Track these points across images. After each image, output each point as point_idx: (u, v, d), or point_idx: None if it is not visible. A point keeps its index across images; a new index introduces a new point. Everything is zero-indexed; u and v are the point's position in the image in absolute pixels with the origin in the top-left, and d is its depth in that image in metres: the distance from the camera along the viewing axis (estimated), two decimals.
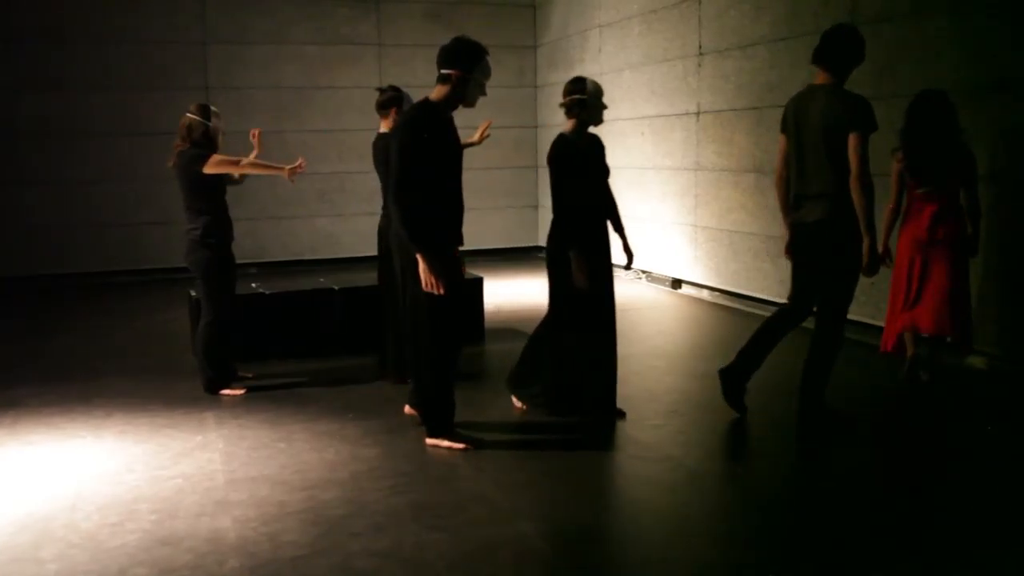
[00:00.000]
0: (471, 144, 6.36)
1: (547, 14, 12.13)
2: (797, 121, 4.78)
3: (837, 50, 4.69)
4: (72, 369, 6.44)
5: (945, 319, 5.35)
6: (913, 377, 5.59)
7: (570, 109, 4.98)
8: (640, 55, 9.79)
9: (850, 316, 4.93)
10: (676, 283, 9.44)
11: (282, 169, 5.74)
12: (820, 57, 4.74)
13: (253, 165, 5.60)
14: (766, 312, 7.69)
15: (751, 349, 4.96)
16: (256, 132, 6.27)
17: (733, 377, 5.01)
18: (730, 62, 8.27)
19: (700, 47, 8.73)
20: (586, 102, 4.93)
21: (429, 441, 4.67)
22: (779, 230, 7.55)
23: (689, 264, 9.17)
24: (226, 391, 5.71)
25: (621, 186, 10.39)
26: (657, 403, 5.38)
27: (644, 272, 10.04)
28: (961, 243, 5.37)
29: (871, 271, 4.58)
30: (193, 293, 6.39)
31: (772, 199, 7.65)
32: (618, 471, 4.35)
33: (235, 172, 5.58)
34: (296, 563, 3.39)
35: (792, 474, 4.35)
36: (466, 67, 4.43)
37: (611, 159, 11.64)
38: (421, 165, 4.32)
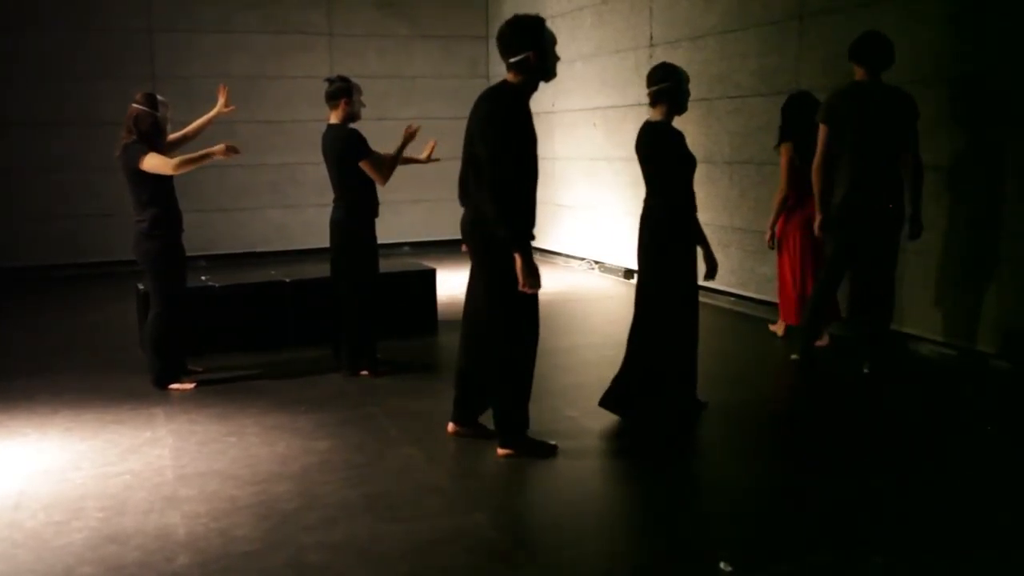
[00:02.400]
0: (416, 160, 6.33)
1: (499, 4, 12.10)
2: (856, 113, 5.35)
3: (881, 50, 5.36)
4: (15, 365, 6.30)
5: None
6: (807, 352, 5.91)
7: (658, 98, 4.79)
8: (592, 46, 9.81)
9: None
10: (628, 273, 9.50)
11: (212, 154, 5.49)
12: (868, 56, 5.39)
13: (184, 163, 5.34)
14: (717, 301, 7.79)
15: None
16: (223, 88, 6.16)
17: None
18: (681, 53, 8.32)
19: (651, 38, 8.77)
20: (679, 90, 4.78)
21: (502, 452, 4.37)
22: (729, 220, 7.64)
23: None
24: (176, 385, 5.63)
25: (573, 177, 10.43)
26: None
27: (596, 262, 10.09)
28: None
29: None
30: (141, 286, 6.29)
31: (723, 188, 7.74)
32: (572, 461, 4.37)
33: (169, 172, 5.34)
34: (248, 558, 3.36)
35: (745, 463, 4.41)
36: (538, 44, 4.12)
37: (562, 150, 11.70)
38: (517, 157, 4.06)
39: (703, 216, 8.10)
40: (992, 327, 5.60)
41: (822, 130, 5.51)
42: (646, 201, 4.86)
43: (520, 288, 4.07)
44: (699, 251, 4.82)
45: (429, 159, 6.35)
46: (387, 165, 5.81)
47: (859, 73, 5.43)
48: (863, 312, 5.58)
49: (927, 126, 5.64)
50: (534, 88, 4.23)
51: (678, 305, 4.78)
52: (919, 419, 4.93)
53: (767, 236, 6.36)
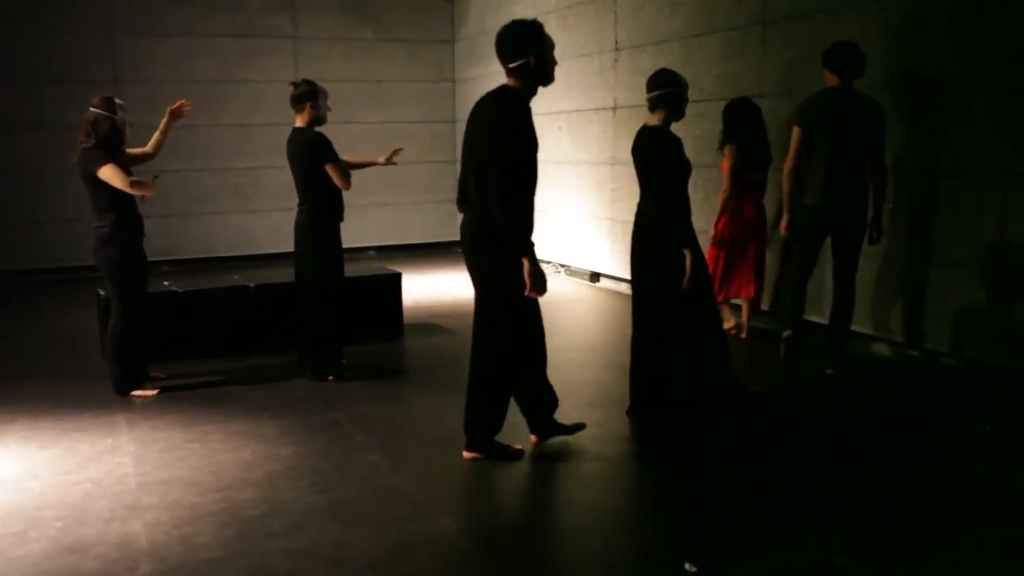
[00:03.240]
0: (374, 163, 6.30)
1: (464, 9, 12.10)
2: (832, 118, 5.52)
3: (855, 58, 5.52)
4: None
5: (759, 287, 6.59)
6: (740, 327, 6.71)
7: (658, 103, 4.83)
8: (557, 50, 9.65)
9: None
10: (594, 276, 9.54)
11: (151, 191, 5.44)
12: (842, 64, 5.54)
13: (133, 185, 5.25)
14: None
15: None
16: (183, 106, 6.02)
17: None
18: (645, 58, 8.37)
19: (616, 43, 8.82)
20: (680, 96, 4.83)
21: (469, 455, 4.38)
22: (693, 222, 7.67)
23: (607, 257, 9.27)
24: (137, 392, 5.56)
25: (539, 181, 10.44)
26: (575, 396, 5.42)
27: (562, 266, 10.11)
28: (765, 225, 6.58)
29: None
30: (102, 292, 6.20)
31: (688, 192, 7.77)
32: (537, 465, 4.38)
33: (120, 188, 5.26)
34: (210, 566, 3.32)
35: (710, 466, 4.43)
36: (537, 48, 4.14)
37: None
38: (522, 162, 4.05)
39: None
40: (946, 327, 5.68)
41: (797, 133, 5.66)
42: (642, 207, 4.90)
43: (527, 293, 4.07)
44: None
45: (388, 162, 6.28)
46: (349, 171, 5.80)
47: (831, 79, 5.59)
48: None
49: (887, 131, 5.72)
50: (533, 92, 4.23)
51: (684, 307, 4.85)
52: (885, 419, 4.99)
53: (711, 234, 6.55)
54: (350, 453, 4.53)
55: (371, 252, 11.84)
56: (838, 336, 5.74)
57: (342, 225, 5.88)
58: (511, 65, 4.14)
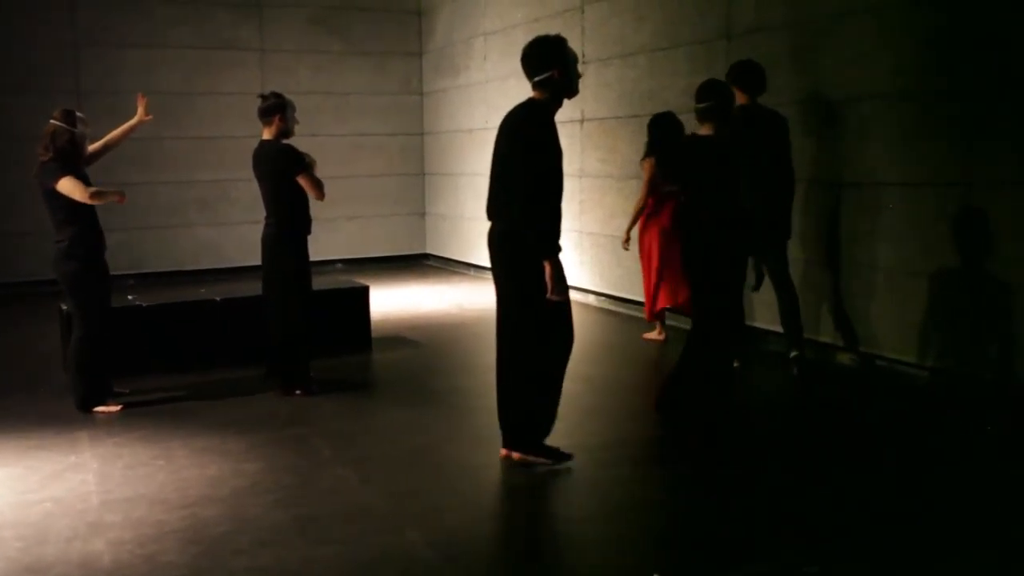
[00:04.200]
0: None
1: (432, 21, 12.12)
2: (750, 133, 5.76)
3: (761, 76, 5.92)
4: None
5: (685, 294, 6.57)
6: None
7: (709, 113, 4.98)
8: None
9: None
10: None
11: (118, 197, 5.42)
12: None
13: (97, 195, 5.23)
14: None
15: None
16: (141, 97, 6.03)
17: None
18: (612, 70, 8.43)
19: (583, 56, 8.86)
20: (729, 107, 5.03)
21: (518, 456, 4.41)
22: None
23: (575, 269, 9.29)
24: (101, 408, 5.48)
25: None
26: None
27: None
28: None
29: None
30: (64, 307, 6.12)
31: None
32: (506, 478, 4.37)
33: (80, 200, 5.22)
34: None
35: (678, 476, 4.45)
36: (561, 62, 4.27)
37: None
38: (547, 170, 4.18)
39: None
40: (911, 336, 5.76)
41: None
42: (691, 211, 5.05)
43: (548, 295, 4.17)
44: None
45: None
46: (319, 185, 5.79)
47: (741, 97, 5.86)
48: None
49: (847, 142, 5.80)
50: (559, 105, 4.37)
51: (734, 305, 5.07)
52: (848, 426, 5.04)
53: (624, 239, 6.99)
54: (317, 468, 4.49)
55: (339, 265, 11.78)
56: (795, 330, 5.97)
57: (310, 238, 5.85)
58: (536, 79, 4.29)
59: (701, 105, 5.02)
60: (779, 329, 6.22)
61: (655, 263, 6.81)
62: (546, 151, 4.19)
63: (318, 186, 5.70)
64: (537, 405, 4.40)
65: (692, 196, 5.10)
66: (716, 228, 4.92)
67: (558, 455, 4.44)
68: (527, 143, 4.18)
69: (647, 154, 6.81)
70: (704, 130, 5.03)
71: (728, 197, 4.96)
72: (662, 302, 6.85)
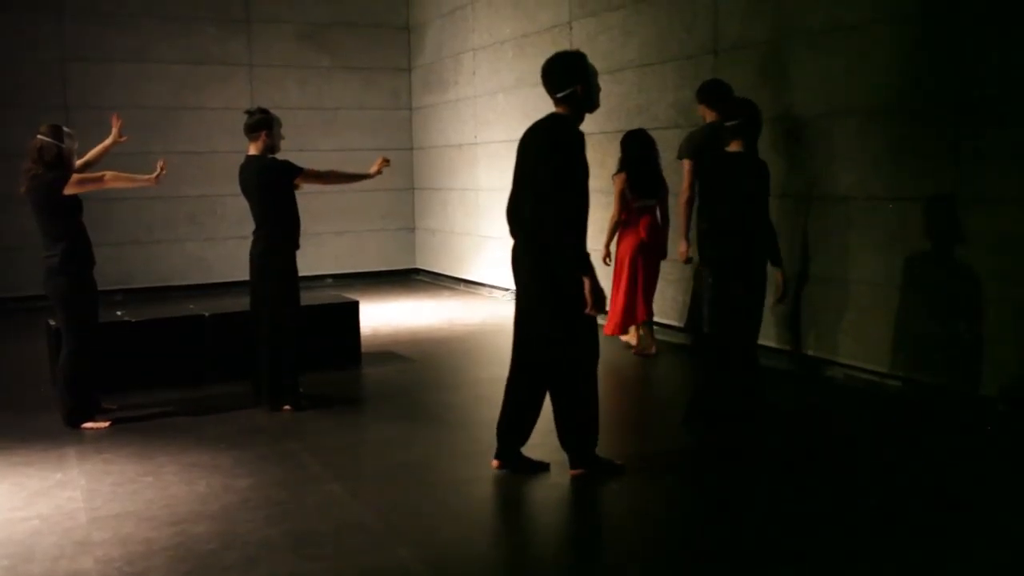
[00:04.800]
0: (367, 176, 6.13)
1: (421, 37, 12.16)
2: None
3: (729, 94, 5.98)
4: None
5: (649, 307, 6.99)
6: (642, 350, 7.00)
7: (739, 130, 5.04)
8: (513, 78, 9.92)
9: None
10: None
11: (148, 180, 5.51)
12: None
13: (116, 178, 5.38)
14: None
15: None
16: (115, 118, 6.04)
17: None
18: (600, 86, 8.45)
19: None
20: (758, 123, 5.11)
21: (575, 472, 4.41)
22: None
23: None
24: (89, 424, 5.44)
25: (497, 208, 10.49)
26: None
27: None
28: (662, 246, 6.98)
29: None
30: (52, 322, 6.09)
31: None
32: (497, 492, 4.36)
33: (99, 188, 5.35)
34: None
35: (671, 489, 4.45)
36: (583, 77, 4.29)
37: (486, 181, 11.76)
38: (576, 185, 4.20)
39: None
40: (900, 349, 5.79)
41: (688, 165, 6.23)
42: (720, 226, 5.08)
43: (588, 310, 4.18)
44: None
45: (378, 173, 6.02)
46: (337, 174, 6.04)
47: (710, 116, 6.08)
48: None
49: (831, 156, 5.84)
50: (581, 119, 4.38)
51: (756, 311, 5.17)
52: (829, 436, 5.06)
53: (603, 255, 7.03)
54: (307, 484, 4.47)
55: (328, 280, 11.77)
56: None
57: (298, 253, 5.84)
58: (559, 95, 4.30)
59: (731, 123, 5.08)
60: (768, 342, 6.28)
61: (625, 277, 6.93)
62: (575, 166, 4.22)
63: (323, 177, 5.87)
64: (590, 417, 4.40)
65: (721, 211, 5.12)
66: (743, 241, 5.00)
67: (612, 467, 4.46)
68: (557, 158, 4.18)
69: (619, 170, 6.95)
70: (734, 146, 5.08)
71: (756, 212, 5.07)
72: (641, 315, 6.96)
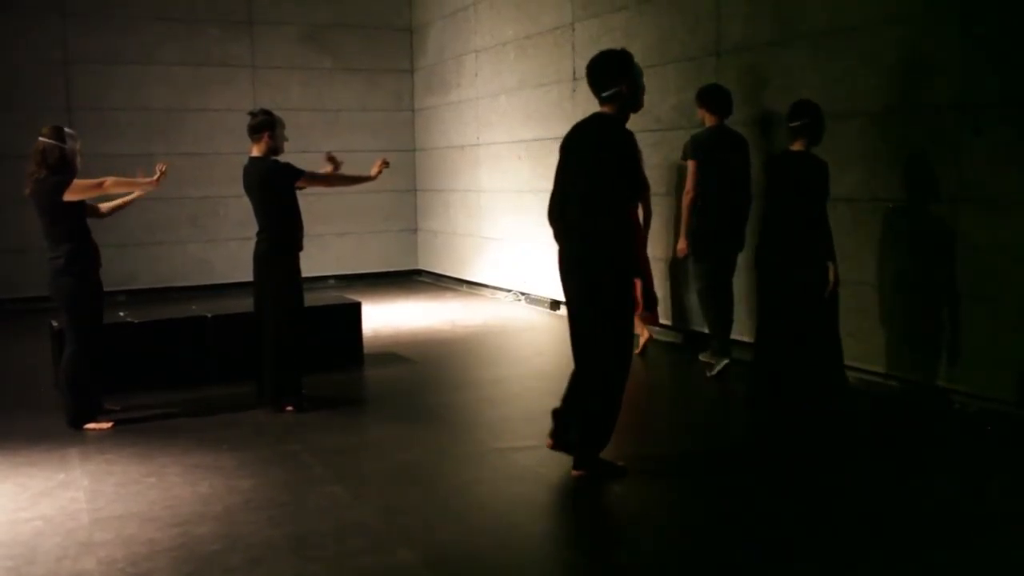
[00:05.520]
0: (368, 178, 6.15)
1: (423, 38, 12.17)
2: (721, 153, 6.32)
3: (728, 100, 6.39)
4: None
5: None
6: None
7: (803, 131, 5.29)
8: (516, 80, 9.93)
9: None
10: (555, 304, 9.56)
11: (149, 183, 5.51)
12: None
13: (117, 183, 5.37)
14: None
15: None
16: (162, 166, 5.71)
17: None
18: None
19: (574, 73, 8.91)
20: (821, 124, 5.33)
21: (577, 472, 4.40)
22: (651, 249, 7.75)
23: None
24: (92, 425, 5.45)
25: (499, 209, 10.50)
26: (535, 424, 5.40)
27: (523, 293, 10.14)
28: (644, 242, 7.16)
29: None
30: (55, 323, 6.10)
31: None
32: (498, 494, 4.36)
33: (100, 193, 5.34)
34: None
35: (672, 491, 4.45)
36: (629, 76, 4.31)
37: (488, 182, 11.76)
38: (626, 185, 4.24)
39: None
40: (901, 350, 5.79)
41: (692, 166, 6.42)
42: (796, 227, 5.30)
43: (638, 313, 4.20)
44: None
45: (378, 174, 6.09)
46: (338, 177, 6.03)
47: (710, 119, 6.36)
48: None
49: (841, 159, 5.84)
50: (626, 118, 4.39)
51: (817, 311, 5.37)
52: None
53: None
54: (309, 485, 4.48)
55: (331, 281, 11.78)
56: (726, 338, 6.49)
57: (301, 254, 5.85)
58: (605, 93, 4.30)
59: (794, 123, 5.30)
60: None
61: None
62: (624, 165, 4.22)
63: (325, 179, 5.90)
64: (604, 420, 4.39)
65: (781, 208, 5.35)
66: (806, 231, 5.25)
67: (615, 469, 4.45)
68: (604, 158, 4.19)
69: None
70: (796, 146, 5.31)
71: (819, 209, 5.29)
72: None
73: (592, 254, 4.23)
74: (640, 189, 4.30)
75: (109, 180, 5.36)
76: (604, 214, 4.16)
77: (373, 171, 6.03)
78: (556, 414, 4.52)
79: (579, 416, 4.39)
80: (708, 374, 6.39)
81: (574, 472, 4.42)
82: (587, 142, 4.29)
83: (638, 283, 4.15)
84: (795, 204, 5.31)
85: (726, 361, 6.38)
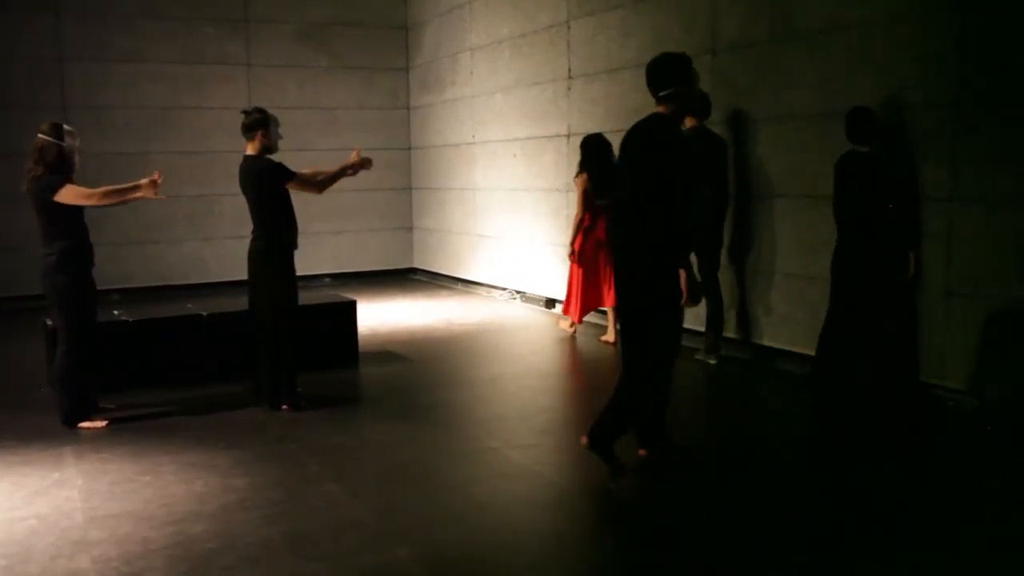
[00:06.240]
0: (345, 173, 6.10)
1: (419, 36, 12.16)
2: (702, 153, 6.44)
3: (707, 102, 6.57)
4: None
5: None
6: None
7: (869, 134, 5.52)
8: (511, 78, 9.92)
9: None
10: (550, 303, 9.56)
11: (139, 187, 5.44)
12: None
13: (107, 195, 5.28)
14: None
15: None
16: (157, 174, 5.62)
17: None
18: (598, 86, 8.47)
19: (569, 71, 8.91)
20: (877, 125, 5.54)
21: (643, 452, 4.62)
22: None
23: (562, 284, 9.29)
24: (86, 424, 5.44)
25: (494, 207, 10.49)
26: (530, 422, 5.42)
27: (518, 292, 10.13)
28: None
29: None
30: (49, 322, 6.08)
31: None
32: (493, 492, 4.36)
33: (90, 204, 5.27)
34: None
35: (662, 490, 4.45)
36: (685, 79, 4.45)
37: (483, 180, 11.75)
38: (676, 183, 4.35)
39: None
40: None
41: None
42: (880, 226, 5.55)
43: (683, 303, 4.31)
44: None
45: (361, 165, 6.04)
46: (323, 180, 5.91)
47: (690, 121, 6.46)
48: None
49: (834, 157, 5.85)
50: (682, 119, 4.61)
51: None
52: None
53: (569, 252, 7.65)
54: (305, 483, 4.47)
55: (326, 280, 11.76)
56: (716, 336, 6.72)
57: (296, 252, 5.84)
58: (661, 94, 4.45)
59: (860, 128, 5.51)
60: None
61: (585, 270, 7.55)
62: (674, 163, 4.34)
63: (312, 184, 5.82)
64: (631, 408, 4.50)
65: (849, 206, 5.58)
66: (866, 230, 5.51)
67: (675, 450, 4.66)
68: (656, 156, 4.34)
69: (580, 171, 7.47)
70: (864, 148, 5.54)
71: (880, 206, 5.50)
72: (609, 302, 7.53)
73: (641, 246, 4.38)
74: (685, 187, 4.40)
75: (100, 192, 5.27)
76: (649, 211, 4.32)
77: (351, 159, 5.94)
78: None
79: (621, 399, 4.50)
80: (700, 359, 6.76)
81: (642, 451, 4.62)
82: (638, 141, 4.46)
83: (682, 273, 4.29)
84: (856, 201, 5.58)
85: (714, 361, 6.68)
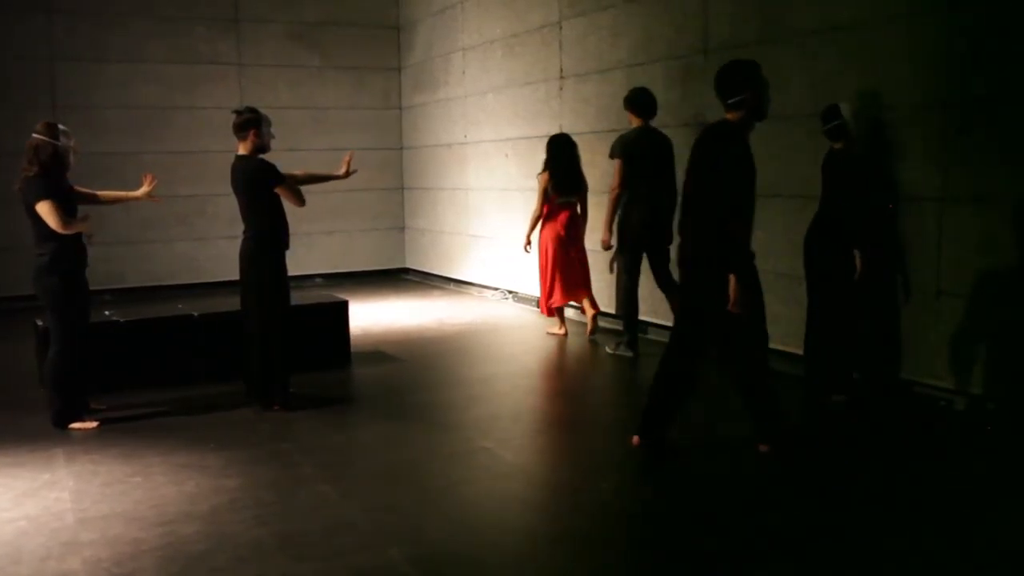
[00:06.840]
0: (334, 177, 6.28)
1: (411, 37, 12.15)
2: (646, 152, 6.84)
3: (653, 102, 7.02)
4: None
5: (588, 291, 7.80)
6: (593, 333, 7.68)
7: (838, 131, 5.44)
8: (503, 78, 9.92)
9: None
10: None
11: (134, 196, 5.48)
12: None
13: (67, 226, 5.22)
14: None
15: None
16: (151, 177, 5.95)
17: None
18: (590, 86, 8.48)
19: (561, 71, 8.91)
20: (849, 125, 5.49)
21: (765, 447, 4.68)
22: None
23: None
24: (77, 424, 5.43)
25: (486, 207, 10.49)
26: (522, 422, 5.42)
27: (510, 292, 10.13)
28: (580, 237, 7.74)
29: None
30: (40, 322, 6.06)
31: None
32: (485, 492, 4.36)
33: (64, 230, 5.22)
34: None
35: (653, 487, 4.46)
36: (755, 86, 4.49)
37: (475, 180, 11.74)
38: (739, 189, 4.41)
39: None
40: (898, 350, 5.81)
41: (619, 164, 6.87)
42: (828, 216, 5.54)
43: (729, 307, 4.38)
44: None
45: (348, 173, 6.24)
46: (301, 182, 5.89)
47: (636, 121, 6.88)
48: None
49: (822, 157, 5.87)
50: (751, 127, 4.59)
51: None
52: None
53: (525, 244, 7.99)
54: (297, 484, 4.46)
55: (318, 280, 11.75)
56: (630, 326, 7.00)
57: (288, 252, 5.84)
58: (729, 101, 4.50)
59: (829, 125, 5.46)
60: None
61: (549, 264, 7.67)
62: (736, 170, 4.40)
63: (297, 195, 5.75)
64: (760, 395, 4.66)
65: (830, 204, 5.52)
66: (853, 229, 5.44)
67: (791, 437, 4.79)
68: (720, 163, 4.41)
69: (543, 170, 7.65)
70: (838, 146, 5.51)
71: (862, 203, 5.44)
72: (557, 300, 7.71)
73: (699, 252, 4.53)
74: (747, 195, 4.46)
75: (64, 222, 5.20)
76: (704, 216, 4.42)
77: (341, 170, 6.22)
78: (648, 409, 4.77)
79: (751, 400, 4.68)
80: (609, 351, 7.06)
81: (762, 447, 4.67)
82: (701, 147, 4.54)
83: (732, 279, 4.36)
84: (840, 199, 5.53)
85: (631, 354, 6.94)
